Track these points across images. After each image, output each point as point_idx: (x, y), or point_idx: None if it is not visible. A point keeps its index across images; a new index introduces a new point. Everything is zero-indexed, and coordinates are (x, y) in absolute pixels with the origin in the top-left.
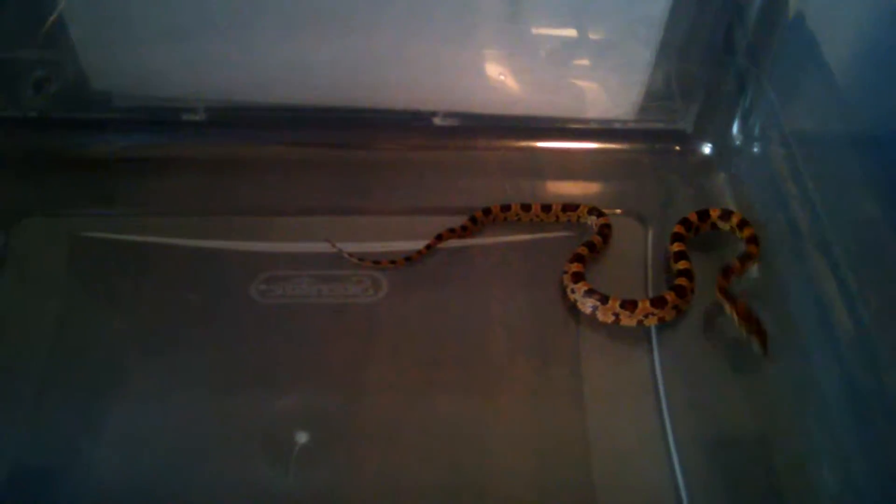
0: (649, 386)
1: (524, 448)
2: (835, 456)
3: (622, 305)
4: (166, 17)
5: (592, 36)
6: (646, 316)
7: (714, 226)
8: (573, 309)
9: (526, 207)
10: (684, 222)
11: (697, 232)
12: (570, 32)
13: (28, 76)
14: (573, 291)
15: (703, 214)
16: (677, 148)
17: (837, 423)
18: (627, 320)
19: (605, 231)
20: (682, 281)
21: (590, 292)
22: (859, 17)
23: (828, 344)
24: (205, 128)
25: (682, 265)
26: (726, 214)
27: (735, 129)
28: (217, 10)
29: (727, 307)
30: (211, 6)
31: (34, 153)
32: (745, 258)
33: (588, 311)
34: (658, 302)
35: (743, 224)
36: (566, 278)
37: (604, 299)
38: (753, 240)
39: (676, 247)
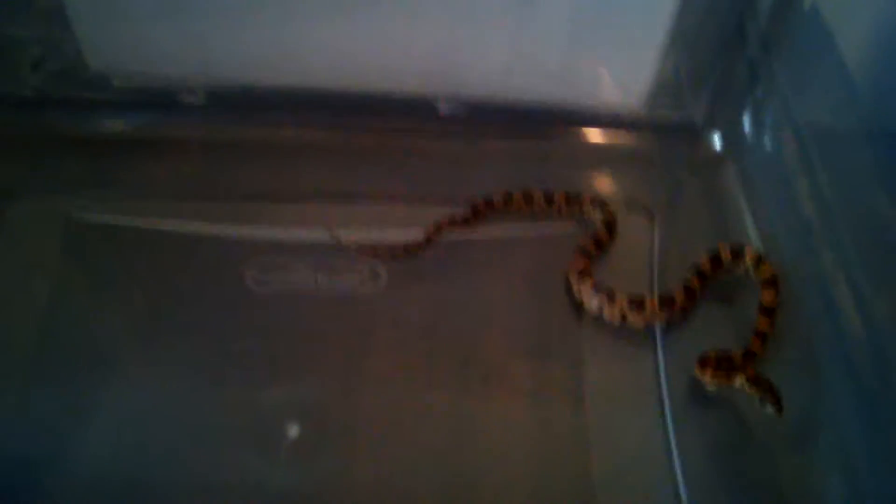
0: (652, 387)
1: (522, 446)
2: (842, 462)
3: (629, 304)
4: None
5: (603, 24)
6: (654, 316)
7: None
8: (576, 305)
9: (528, 198)
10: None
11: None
12: (581, 19)
13: (26, 54)
14: (579, 290)
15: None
16: (686, 140)
17: (845, 427)
18: (635, 320)
19: (610, 225)
20: (692, 281)
21: (596, 289)
22: (875, 9)
23: (836, 343)
24: (204, 110)
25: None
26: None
27: (746, 121)
28: None
29: (738, 380)
30: None
31: (30, 133)
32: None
33: (594, 309)
34: (666, 302)
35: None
36: (571, 275)
37: (610, 296)
38: (771, 283)
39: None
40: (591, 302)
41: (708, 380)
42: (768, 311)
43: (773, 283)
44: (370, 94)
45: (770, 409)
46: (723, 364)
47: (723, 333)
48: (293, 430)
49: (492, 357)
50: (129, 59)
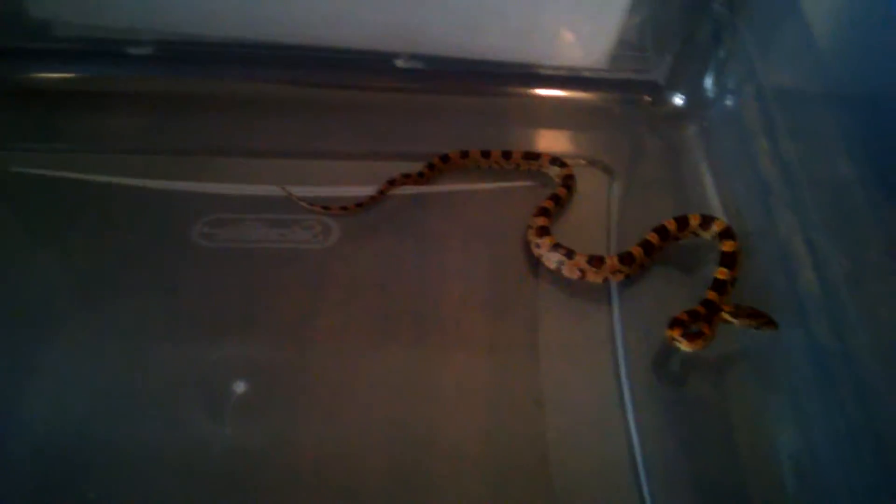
0: (607, 343)
1: (476, 403)
2: (795, 417)
3: (589, 262)
4: None
5: None
6: (613, 273)
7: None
8: (532, 262)
9: (486, 154)
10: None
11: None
12: None
13: None
14: (538, 246)
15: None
16: (648, 99)
17: (800, 386)
18: (594, 276)
19: (568, 182)
20: (651, 237)
21: (555, 247)
22: None
23: (792, 299)
24: (151, 61)
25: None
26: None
27: (709, 80)
28: None
29: (736, 321)
30: None
31: None
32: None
33: (553, 266)
34: (626, 258)
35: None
36: (531, 233)
37: (570, 254)
38: (726, 234)
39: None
40: (551, 260)
41: (680, 339)
42: (727, 261)
43: (729, 234)
44: (325, 49)
45: (767, 330)
46: (692, 320)
47: (679, 292)
48: (241, 388)
49: (446, 312)
50: (72, 6)
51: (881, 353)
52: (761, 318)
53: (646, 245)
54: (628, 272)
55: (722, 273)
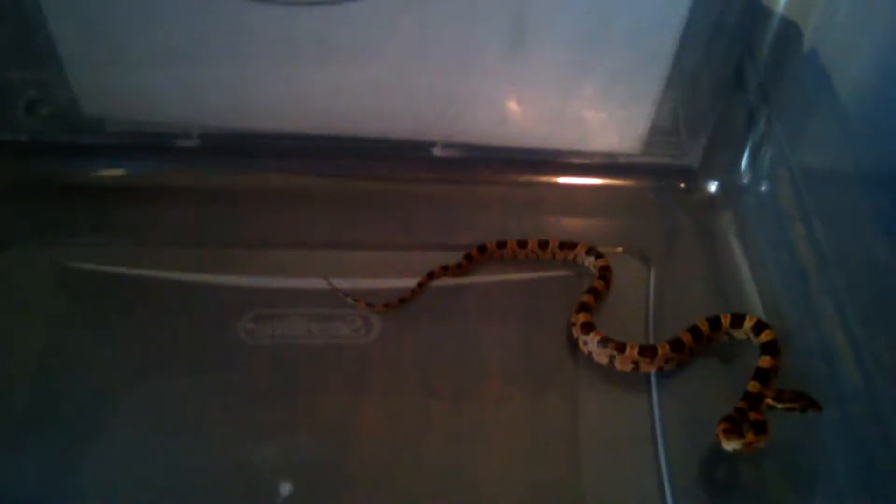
0: (647, 431)
1: (516, 497)
2: None
3: (641, 353)
4: (160, 39)
5: (599, 67)
6: (666, 361)
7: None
8: (570, 349)
9: (522, 244)
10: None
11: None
12: (577, 64)
13: (20, 97)
14: (586, 343)
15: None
16: (682, 185)
17: (844, 487)
18: (647, 367)
19: (605, 274)
20: (700, 324)
21: (604, 342)
22: (873, 52)
23: (833, 395)
24: (198, 155)
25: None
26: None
27: (743, 166)
28: (213, 34)
29: (780, 406)
30: (206, 29)
31: (24, 178)
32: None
33: (605, 361)
34: (676, 345)
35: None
36: (576, 330)
37: (621, 348)
38: (760, 327)
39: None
40: (602, 355)
41: (727, 439)
42: (769, 349)
43: (763, 326)
44: (365, 139)
45: (811, 413)
46: (736, 418)
47: (719, 385)
48: (283, 489)
49: (486, 403)
50: (123, 103)
51: None
52: (804, 401)
53: (694, 331)
54: (680, 359)
55: (765, 362)
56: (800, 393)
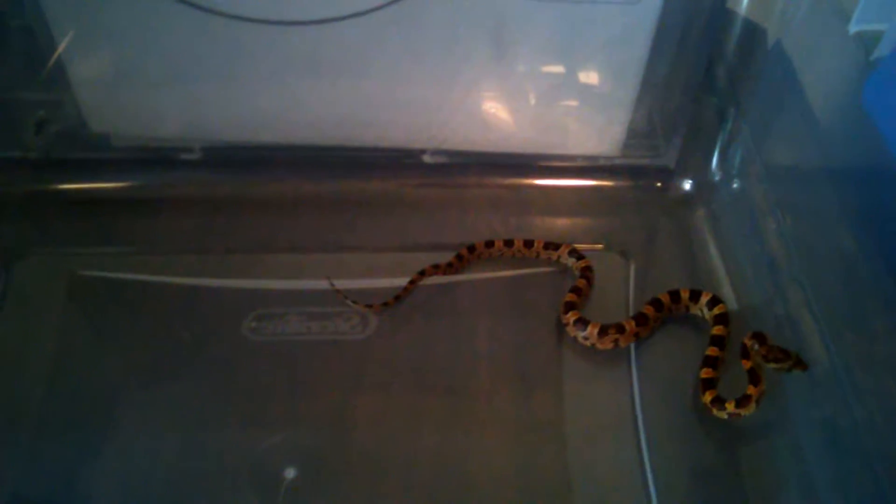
0: (629, 414)
1: (506, 482)
2: (806, 487)
3: (637, 323)
4: (163, 61)
5: (577, 76)
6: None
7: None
8: (556, 340)
9: (509, 243)
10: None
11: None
12: (556, 73)
13: (29, 117)
14: (586, 338)
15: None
16: (659, 184)
17: (810, 454)
18: (624, 341)
19: (587, 274)
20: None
21: (605, 329)
22: (838, 48)
23: (802, 377)
24: (201, 167)
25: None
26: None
27: (714, 164)
28: (211, 54)
29: (769, 365)
30: (205, 49)
31: (35, 193)
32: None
33: (610, 346)
34: (640, 320)
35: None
36: (570, 329)
37: (621, 328)
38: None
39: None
40: (605, 342)
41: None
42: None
43: (717, 301)
44: (358, 148)
45: (797, 371)
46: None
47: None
48: (287, 474)
49: (477, 394)
50: (128, 121)
51: (891, 422)
52: (791, 360)
53: (655, 303)
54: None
55: (719, 330)
56: (787, 351)
